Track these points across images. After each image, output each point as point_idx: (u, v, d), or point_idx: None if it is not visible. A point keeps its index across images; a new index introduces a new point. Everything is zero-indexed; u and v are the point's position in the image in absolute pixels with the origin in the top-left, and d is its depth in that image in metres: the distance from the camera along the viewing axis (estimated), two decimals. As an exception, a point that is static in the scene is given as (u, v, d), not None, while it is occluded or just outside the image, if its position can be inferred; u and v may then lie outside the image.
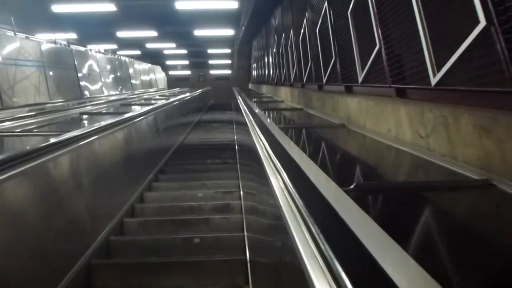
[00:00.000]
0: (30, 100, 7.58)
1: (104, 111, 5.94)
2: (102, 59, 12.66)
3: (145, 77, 18.76)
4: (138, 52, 20.94)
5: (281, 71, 9.21)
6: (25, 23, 11.85)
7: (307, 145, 2.95)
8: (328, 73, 4.81)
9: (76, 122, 4.92)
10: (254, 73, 20.45)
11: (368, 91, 3.33)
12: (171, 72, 25.38)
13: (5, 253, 2.11)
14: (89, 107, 6.65)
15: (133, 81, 16.22)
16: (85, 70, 10.92)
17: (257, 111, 5.16)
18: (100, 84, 11.95)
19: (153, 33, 12.56)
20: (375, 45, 3.09)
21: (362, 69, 3.49)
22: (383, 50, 2.98)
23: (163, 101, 8.40)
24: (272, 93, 10.45)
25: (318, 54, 5.30)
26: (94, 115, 5.49)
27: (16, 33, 8.09)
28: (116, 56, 15.54)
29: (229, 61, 25.49)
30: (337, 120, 3.88)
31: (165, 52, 22.12)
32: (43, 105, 7.48)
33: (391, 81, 2.85)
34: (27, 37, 8.85)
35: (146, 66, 19.71)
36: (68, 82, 9.66)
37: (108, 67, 13.22)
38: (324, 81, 4.98)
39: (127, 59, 17.01)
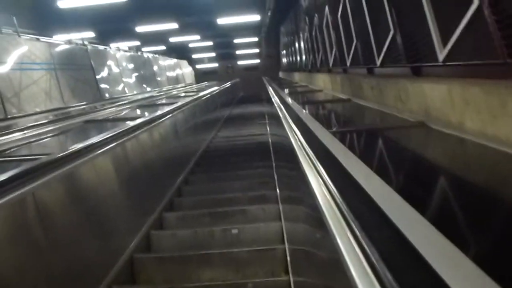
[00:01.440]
0: (39, 107, 6.84)
1: (113, 117, 5.09)
2: (122, 57, 11.90)
3: (171, 73, 18.01)
4: (163, 48, 20.24)
5: (316, 55, 8.14)
6: (40, 25, 11.22)
7: (388, 166, 1.92)
8: (383, 52, 3.75)
9: (75, 134, 4.07)
10: (284, 60, 19.33)
11: (459, 72, 2.28)
12: (198, 66, 24.60)
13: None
14: (102, 112, 5.83)
15: (158, 78, 15.47)
16: (103, 70, 10.17)
17: (294, 105, 4.17)
18: (121, 83, 11.20)
19: (174, 25, 11.70)
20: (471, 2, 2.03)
21: (445, 42, 2.43)
22: (486, 6, 1.93)
23: (187, 99, 7.53)
24: (307, 81, 9.40)
25: (366, 30, 4.24)
26: (101, 123, 4.64)
27: (23, 34, 7.36)
28: (139, 53, 14.81)
29: (257, 50, 24.44)
30: (408, 115, 2.84)
31: (191, 45, 21.32)
32: (52, 111, 6.72)
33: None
34: (36, 39, 8.14)
35: (172, 61, 18.94)
36: (84, 84, 8.91)
37: (130, 65, 12.46)
38: (378, 62, 3.93)
39: (150, 55, 16.26)
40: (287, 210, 3.17)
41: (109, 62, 10.74)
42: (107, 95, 9.88)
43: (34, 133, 3.90)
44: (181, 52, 22.22)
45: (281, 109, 4.28)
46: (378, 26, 3.90)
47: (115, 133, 3.24)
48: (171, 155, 4.78)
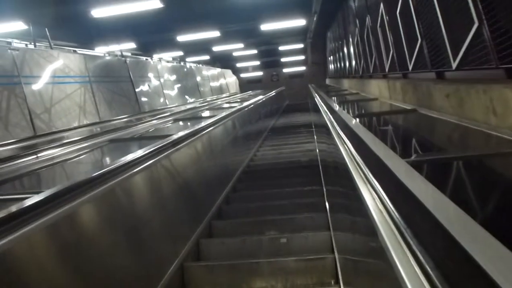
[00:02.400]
0: (73, 123, 6.49)
1: (140, 136, 4.55)
2: (164, 68, 11.58)
3: (214, 83, 17.64)
4: (206, 57, 19.98)
5: (368, 60, 7.34)
6: (81, 38, 11.09)
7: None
8: (462, 51, 2.97)
9: (93, 159, 3.54)
10: (331, 67, 18.48)
11: None
12: (242, 75, 24.20)
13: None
14: (133, 128, 5.33)
15: (201, 89, 15.10)
16: (143, 82, 9.84)
17: (347, 119, 3.44)
18: (162, 95, 10.84)
19: (216, 33, 11.24)
20: None
21: None
22: None
23: (228, 111, 6.96)
24: (357, 88, 8.59)
25: (437, 26, 3.46)
26: (125, 143, 4.11)
27: (56, 46, 7.08)
28: (181, 64, 14.51)
29: (302, 57, 23.71)
30: (510, 134, 2.06)
31: (235, 54, 20.93)
32: (84, 127, 6.34)
33: None
34: (71, 51, 7.87)
35: (215, 71, 18.60)
36: (122, 97, 8.57)
37: (172, 76, 12.13)
38: (454, 65, 3.14)
39: (193, 65, 15.96)
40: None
41: (150, 74, 10.40)
42: (146, 107, 9.51)
43: (53, 154, 3.41)
44: (225, 61, 21.91)
45: (332, 124, 3.57)
46: (454, 19, 3.13)
47: (131, 159, 2.66)
48: (203, 177, 4.17)
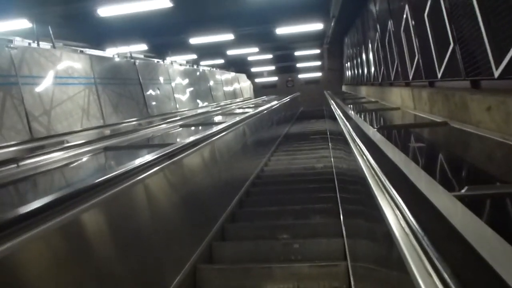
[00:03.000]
0: (74, 126, 6.16)
1: (137, 144, 4.15)
2: (175, 71, 11.25)
3: (228, 87, 17.29)
4: (221, 61, 19.65)
5: (390, 66, 6.88)
6: (90, 39, 10.83)
7: None
8: (509, 57, 2.51)
9: (73, 174, 3.15)
10: (348, 73, 17.99)
11: None
12: (257, 80, 23.81)
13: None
14: (135, 134, 4.94)
15: (214, 93, 14.76)
16: (153, 85, 9.51)
17: (371, 133, 3.00)
18: (172, 99, 10.50)
19: (230, 36, 10.86)
20: None
21: None
22: None
23: (238, 117, 6.57)
24: (376, 96, 8.12)
25: (475, 28, 3.02)
26: (122, 150, 3.73)
27: (64, 46, 6.78)
28: (194, 67, 14.19)
29: (318, 63, 23.23)
30: None
31: (249, 58, 20.56)
32: (87, 131, 5.99)
33: None
34: (76, 51, 7.56)
35: (229, 75, 18.26)
36: (130, 99, 8.23)
37: (183, 79, 11.79)
38: (496, 73, 2.68)
39: (206, 69, 15.64)
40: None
41: (160, 77, 10.07)
42: (155, 111, 9.17)
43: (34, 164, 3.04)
44: (240, 66, 21.56)
45: (351, 137, 3.14)
46: (499, 20, 2.68)
47: (117, 173, 2.28)
48: (204, 193, 3.76)
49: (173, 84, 10.73)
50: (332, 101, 8.26)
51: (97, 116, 6.84)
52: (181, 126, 5.79)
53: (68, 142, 4.13)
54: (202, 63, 18.83)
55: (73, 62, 6.56)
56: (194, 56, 16.03)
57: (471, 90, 3.22)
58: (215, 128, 4.77)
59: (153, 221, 2.65)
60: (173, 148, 3.12)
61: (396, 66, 6.34)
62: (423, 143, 2.84)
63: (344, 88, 19.62)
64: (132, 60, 8.81)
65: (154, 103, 9.26)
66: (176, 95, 10.74)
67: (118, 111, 7.59)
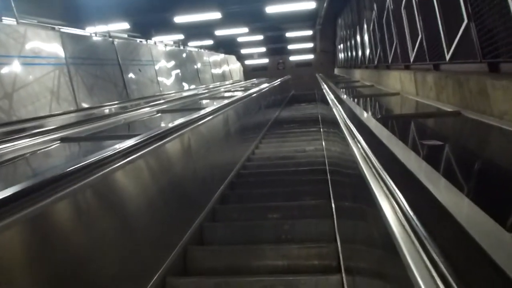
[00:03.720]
0: (42, 111, 5.59)
1: (101, 134, 3.60)
2: (159, 52, 10.62)
3: (216, 70, 16.65)
4: (209, 42, 18.96)
5: (387, 48, 6.36)
6: (69, 16, 10.15)
7: None
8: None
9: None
10: (341, 56, 17.43)
11: None
12: (247, 62, 23.13)
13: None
14: (105, 121, 4.38)
15: (201, 75, 14.14)
16: (134, 66, 8.90)
17: (372, 126, 2.50)
18: (155, 81, 9.90)
19: (217, 15, 10.23)
20: None
21: None
22: None
23: (225, 101, 6.06)
24: (372, 80, 7.61)
25: (497, 3, 2.52)
26: (80, 142, 3.20)
27: (26, 21, 6.15)
28: (180, 47, 13.54)
29: (311, 44, 22.60)
30: None
31: (239, 39, 19.89)
32: (54, 116, 5.43)
33: None
34: (52, 28, 6.94)
35: (218, 57, 17.59)
36: (107, 82, 7.64)
37: (169, 60, 11.16)
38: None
39: (194, 50, 14.98)
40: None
41: (142, 57, 9.45)
42: (136, 94, 8.59)
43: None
44: (229, 47, 20.87)
45: (346, 125, 2.64)
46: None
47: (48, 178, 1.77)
48: (178, 190, 3.25)
49: (156, 66, 10.12)
50: (324, 85, 7.74)
51: (68, 100, 6.26)
52: (159, 111, 5.24)
53: (23, 131, 3.59)
54: (190, 44, 18.13)
55: (40, 40, 5.94)
56: (181, 37, 15.35)
57: (491, 75, 2.72)
58: (195, 115, 4.25)
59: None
60: (136, 141, 2.60)
61: (395, 47, 5.83)
62: (434, 137, 2.35)
63: (336, 71, 19.08)
64: (110, 39, 8.18)
65: (135, 85, 8.67)
66: (159, 77, 10.14)
67: (94, 94, 7.01)
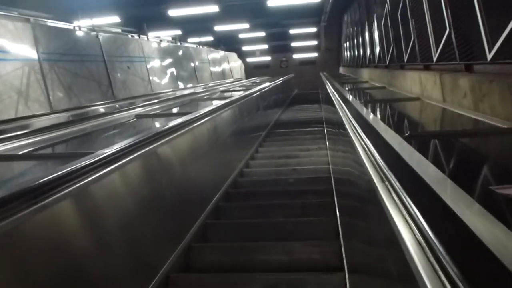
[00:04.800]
0: (4, 114, 4.86)
1: (39, 154, 2.84)
2: (152, 48, 9.88)
3: (215, 67, 15.90)
4: (209, 38, 18.19)
5: (403, 44, 5.59)
6: (57, 9, 9.44)
7: None
8: None
9: None
10: (346, 54, 16.64)
11: None
12: (249, 59, 22.35)
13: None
14: (61, 131, 3.62)
15: (199, 73, 13.39)
16: (122, 63, 8.17)
17: (403, 145, 1.76)
18: (147, 79, 9.17)
19: (214, 8, 9.48)
20: None
21: None
22: None
23: (221, 102, 5.34)
24: (383, 81, 6.85)
25: None
26: (13, 160, 2.46)
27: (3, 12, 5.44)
28: (176, 43, 12.79)
29: (315, 42, 21.80)
30: None
31: (241, 36, 19.10)
32: (17, 121, 4.68)
33: None
34: (26, 19, 6.20)
35: (218, 54, 16.83)
36: (90, 80, 6.91)
37: (162, 57, 10.43)
38: None
39: (191, 46, 14.24)
40: None
41: (131, 53, 8.71)
42: (123, 94, 7.85)
43: None
44: (230, 44, 20.10)
45: (369, 159, 1.87)
46: None
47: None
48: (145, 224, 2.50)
49: (148, 63, 9.38)
50: (330, 86, 6.98)
51: (40, 101, 5.53)
52: (137, 116, 4.50)
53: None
54: (189, 40, 17.37)
55: (6, 32, 5.21)
56: (178, 32, 14.60)
57: None
58: (176, 121, 3.52)
59: None
60: (73, 168, 1.86)
61: (412, 44, 5.06)
62: (498, 173, 1.59)
63: (341, 70, 18.28)
64: (94, 33, 7.43)
65: (122, 84, 7.93)
66: (152, 76, 9.40)
67: (73, 95, 6.28)
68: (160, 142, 2.84)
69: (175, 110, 5.35)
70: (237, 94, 7.15)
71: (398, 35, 5.82)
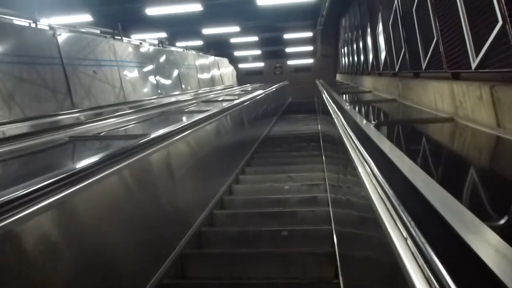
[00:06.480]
0: None
1: None
2: (126, 51, 8.74)
3: (204, 74, 14.78)
4: (199, 43, 17.10)
5: (420, 48, 4.47)
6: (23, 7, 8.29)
7: None
8: None
9: None
10: (344, 60, 15.58)
11: None
12: (241, 65, 21.23)
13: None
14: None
15: (184, 80, 12.27)
16: (86, 66, 7.03)
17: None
18: (119, 86, 8.03)
19: (197, 7, 8.37)
20: None
21: None
22: None
23: (201, 115, 4.27)
24: (391, 92, 5.74)
25: None
26: None
27: None
28: (157, 47, 11.66)
29: (310, 48, 20.75)
30: None
31: (232, 40, 18.02)
32: None
33: None
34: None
35: (207, 59, 15.71)
36: (40, 87, 5.77)
37: (139, 61, 9.29)
38: None
39: (176, 50, 13.12)
40: None
41: (100, 56, 7.57)
42: (86, 103, 6.70)
43: None
44: (221, 49, 19.00)
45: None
46: None
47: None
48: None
49: (122, 67, 8.25)
50: (327, 98, 5.86)
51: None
52: (72, 138, 3.36)
53: None
54: (178, 44, 16.26)
55: None
56: (163, 35, 13.50)
57: None
58: (130, 142, 2.42)
59: None
60: None
61: (435, 46, 3.96)
62: None
63: (339, 77, 17.23)
64: (50, 31, 6.29)
65: (85, 92, 6.78)
66: (125, 82, 8.26)
67: (15, 104, 5.13)
68: (73, 188, 1.73)
69: (131, 128, 4.21)
70: (220, 106, 6.04)
71: (413, 36, 4.73)
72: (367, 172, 1.65)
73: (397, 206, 1.11)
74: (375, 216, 1.29)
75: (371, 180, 1.55)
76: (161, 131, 3.28)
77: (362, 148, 1.90)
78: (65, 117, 5.23)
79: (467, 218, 0.94)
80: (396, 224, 1.07)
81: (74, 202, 1.96)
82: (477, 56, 2.94)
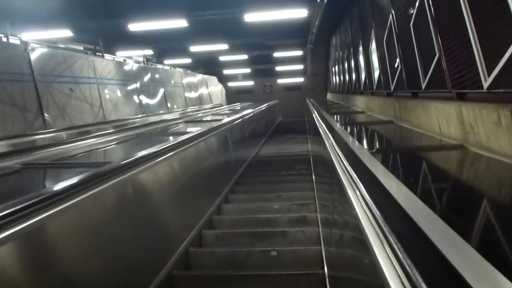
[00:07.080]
0: None
1: None
2: (107, 68, 8.32)
3: (192, 92, 14.39)
4: (187, 60, 16.76)
5: (419, 65, 4.11)
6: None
7: None
8: None
9: None
10: (335, 79, 15.31)
11: None
12: (230, 84, 20.91)
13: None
14: None
15: (170, 98, 11.85)
16: (61, 84, 6.59)
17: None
18: (98, 105, 7.59)
19: (182, 23, 8.02)
20: None
21: None
22: None
23: (181, 138, 3.88)
24: (386, 113, 5.37)
25: None
26: None
27: None
28: (141, 64, 11.28)
29: (301, 66, 20.53)
30: None
31: (221, 58, 17.72)
32: None
33: None
34: None
35: (195, 77, 15.35)
36: (8, 105, 5.31)
37: (122, 78, 8.87)
38: None
39: (162, 68, 12.74)
40: None
41: (77, 73, 7.14)
42: (60, 123, 6.24)
43: None
44: (210, 67, 18.70)
45: None
46: None
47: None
48: None
49: (102, 85, 7.82)
50: (319, 120, 5.47)
51: None
52: (25, 165, 2.90)
53: None
54: (166, 62, 15.91)
55: None
56: (150, 52, 13.13)
57: None
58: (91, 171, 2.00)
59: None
60: None
61: (436, 63, 3.59)
62: None
63: (329, 96, 16.96)
64: (21, 46, 5.86)
65: (59, 110, 6.33)
66: (105, 101, 7.83)
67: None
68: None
69: (100, 153, 3.76)
70: (205, 126, 5.64)
71: (410, 53, 4.38)
72: (372, 226, 1.23)
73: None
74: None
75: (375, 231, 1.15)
76: (137, 155, 2.86)
77: (369, 200, 1.47)
78: (30, 139, 4.76)
79: None
80: None
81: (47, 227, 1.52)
82: (489, 74, 2.57)
